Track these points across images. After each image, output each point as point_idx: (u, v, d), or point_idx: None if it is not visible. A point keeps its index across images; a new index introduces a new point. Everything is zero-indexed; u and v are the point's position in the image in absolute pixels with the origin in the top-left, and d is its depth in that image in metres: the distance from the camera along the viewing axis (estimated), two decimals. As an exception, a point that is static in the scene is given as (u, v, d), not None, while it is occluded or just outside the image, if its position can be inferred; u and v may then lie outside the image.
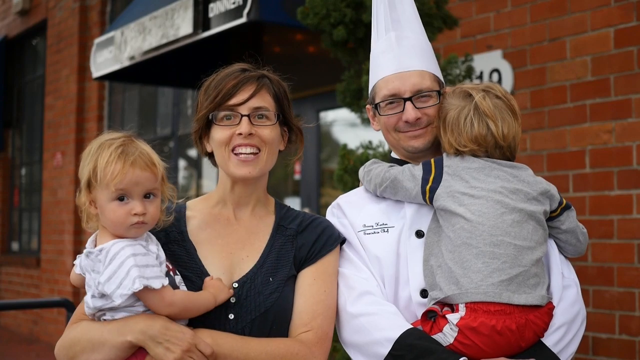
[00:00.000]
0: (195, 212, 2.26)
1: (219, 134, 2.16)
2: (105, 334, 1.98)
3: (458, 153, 2.19)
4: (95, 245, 1.99)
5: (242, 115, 2.14)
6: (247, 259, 2.18)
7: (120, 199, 1.94)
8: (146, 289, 1.89)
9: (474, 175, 2.14)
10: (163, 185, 2.04)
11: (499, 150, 2.18)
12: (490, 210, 2.08)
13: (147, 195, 1.98)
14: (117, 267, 1.89)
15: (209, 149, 2.24)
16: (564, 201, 2.24)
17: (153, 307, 1.95)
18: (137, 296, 1.92)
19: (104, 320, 2.01)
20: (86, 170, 1.97)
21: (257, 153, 2.16)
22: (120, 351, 1.96)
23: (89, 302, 2.00)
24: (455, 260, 2.06)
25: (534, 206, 2.13)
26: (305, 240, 2.22)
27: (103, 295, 1.95)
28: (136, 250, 1.92)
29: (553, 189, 2.21)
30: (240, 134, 2.13)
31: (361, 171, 2.42)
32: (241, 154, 2.15)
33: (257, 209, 2.26)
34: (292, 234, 2.23)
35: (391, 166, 2.31)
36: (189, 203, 2.29)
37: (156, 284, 1.90)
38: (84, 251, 2.01)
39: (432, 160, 2.22)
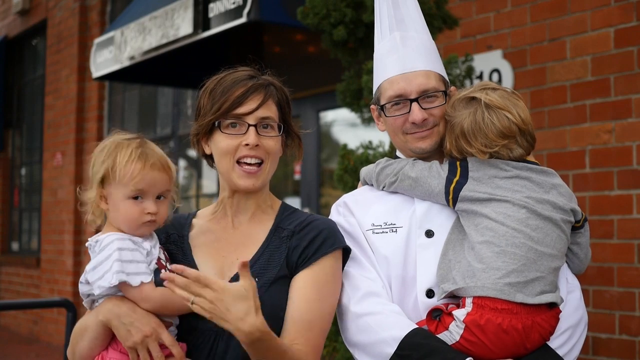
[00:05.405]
0: (200, 219, 2.29)
1: (224, 142, 2.14)
2: (87, 318, 2.06)
3: (492, 155, 2.16)
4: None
5: (249, 125, 2.12)
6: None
7: (135, 197, 2.03)
8: (125, 283, 1.95)
9: (499, 184, 2.13)
10: (172, 187, 2.14)
11: (525, 137, 2.17)
12: (515, 213, 2.08)
13: (158, 196, 2.07)
14: (103, 258, 1.97)
15: (207, 151, 2.22)
16: (583, 214, 2.24)
17: (131, 300, 2.01)
18: (118, 287, 1.99)
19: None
20: (103, 167, 2.03)
21: (260, 164, 2.15)
22: (98, 334, 2.01)
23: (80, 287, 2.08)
24: (475, 256, 2.06)
25: (560, 215, 2.13)
26: (299, 242, 2.14)
27: (88, 282, 2.03)
28: (123, 245, 1.99)
29: (576, 203, 2.21)
30: (247, 144, 2.11)
31: (369, 168, 2.38)
32: (245, 164, 2.13)
33: (257, 214, 2.24)
34: (287, 234, 2.17)
35: (415, 160, 2.29)
36: (199, 212, 2.32)
37: (134, 280, 1.96)
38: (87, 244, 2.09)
39: (458, 162, 2.21)
